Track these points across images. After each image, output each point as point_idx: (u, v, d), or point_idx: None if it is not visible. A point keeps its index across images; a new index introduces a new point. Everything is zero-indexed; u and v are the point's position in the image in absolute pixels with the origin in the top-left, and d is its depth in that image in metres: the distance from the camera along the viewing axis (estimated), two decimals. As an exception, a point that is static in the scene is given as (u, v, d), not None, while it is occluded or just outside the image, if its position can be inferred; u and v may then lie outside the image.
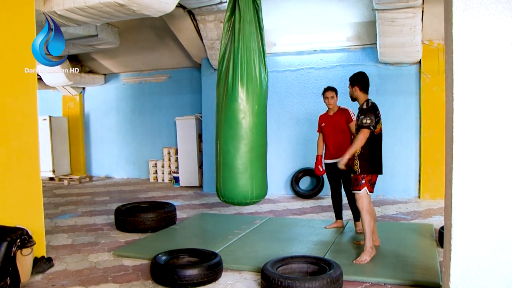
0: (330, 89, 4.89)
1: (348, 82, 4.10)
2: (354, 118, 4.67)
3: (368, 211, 3.81)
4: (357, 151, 3.81)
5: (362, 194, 3.81)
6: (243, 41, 3.81)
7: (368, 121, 3.74)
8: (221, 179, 3.94)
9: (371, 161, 3.82)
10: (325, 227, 4.96)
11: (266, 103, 4.09)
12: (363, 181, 3.81)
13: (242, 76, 3.79)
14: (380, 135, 3.88)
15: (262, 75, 3.94)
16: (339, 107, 4.90)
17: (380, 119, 3.86)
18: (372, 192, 3.90)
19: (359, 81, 3.99)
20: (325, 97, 4.92)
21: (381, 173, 3.92)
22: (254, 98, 3.84)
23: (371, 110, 3.80)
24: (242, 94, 3.80)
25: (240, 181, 3.86)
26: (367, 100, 3.92)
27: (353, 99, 4.06)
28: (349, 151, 3.83)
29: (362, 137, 3.74)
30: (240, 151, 3.84)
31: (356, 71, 7.36)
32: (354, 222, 4.81)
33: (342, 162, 3.85)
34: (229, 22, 3.98)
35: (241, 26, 3.83)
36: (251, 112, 3.82)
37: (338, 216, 4.99)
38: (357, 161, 3.84)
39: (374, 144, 3.83)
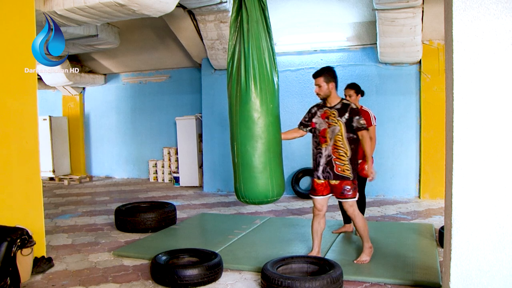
0: (348, 87, 4.51)
1: (319, 77, 3.69)
2: (374, 122, 4.43)
3: (361, 216, 3.74)
4: (348, 155, 3.61)
5: (353, 202, 3.66)
6: (252, 41, 3.82)
7: (365, 122, 3.64)
8: (241, 180, 3.95)
9: (357, 164, 3.71)
10: (332, 232, 4.73)
11: (278, 101, 4.10)
12: (355, 187, 3.66)
13: (254, 76, 3.81)
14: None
15: (273, 74, 3.95)
16: (361, 106, 4.52)
17: None
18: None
19: (334, 76, 3.69)
20: (344, 95, 4.50)
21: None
22: (268, 97, 3.84)
23: (361, 112, 3.73)
24: (255, 94, 3.81)
25: (260, 180, 3.87)
26: (346, 99, 3.75)
27: (322, 97, 3.74)
28: (369, 157, 3.70)
29: (368, 139, 3.61)
30: (258, 151, 3.85)
31: (356, 71, 7.38)
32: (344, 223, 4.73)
33: (371, 171, 3.72)
34: (236, 23, 3.99)
35: (250, 26, 3.84)
36: (266, 111, 3.83)
37: (347, 220, 4.71)
38: (348, 166, 3.61)
39: (356, 147, 3.68)
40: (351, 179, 3.61)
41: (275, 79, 3.96)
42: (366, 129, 3.59)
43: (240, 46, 3.90)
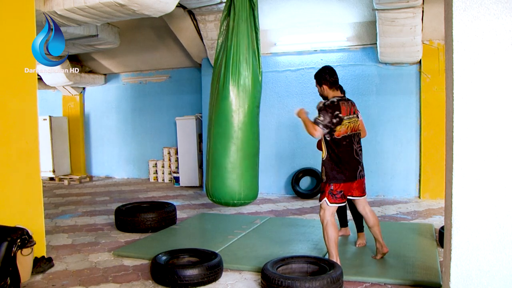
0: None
1: (315, 81, 3.72)
2: (360, 117, 4.33)
3: (331, 224, 3.49)
4: (322, 156, 3.55)
5: (323, 205, 3.52)
6: (236, 40, 3.80)
7: (321, 118, 3.42)
8: (210, 178, 3.92)
9: (334, 168, 3.49)
10: None
11: (258, 102, 4.05)
12: (324, 191, 3.50)
13: (233, 74, 3.77)
14: (344, 139, 3.50)
15: (256, 75, 3.91)
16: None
17: (342, 120, 3.47)
18: (343, 202, 3.56)
19: (325, 78, 3.60)
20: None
21: (349, 181, 3.53)
22: (245, 97, 3.81)
23: (326, 109, 3.45)
24: (232, 93, 3.77)
25: (228, 180, 3.81)
26: (332, 99, 3.55)
27: (324, 98, 3.69)
28: (304, 118, 3.54)
29: (310, 125, 3.43)
30: (229, 150, 3.80)
31: (356, 71, 7.36)
32: (357, 232, 4.34)
33: (296, 111, 3.61)
34: (224, 21, 3.99)
35: (235, 25, 3.83)
36: (242, 111, 3.79)
37: (343, 223, 4.58)
38: (323, 167, 3.56)
39: (336, 149, 3.49)
40: (324, 181, 3.53)
41: (257, 79, 3.92)
42: (318, 125, 3.41)
43: (225, 44, 3.89)
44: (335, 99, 3.53)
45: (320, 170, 3.76)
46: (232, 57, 3.77)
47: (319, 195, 3.63)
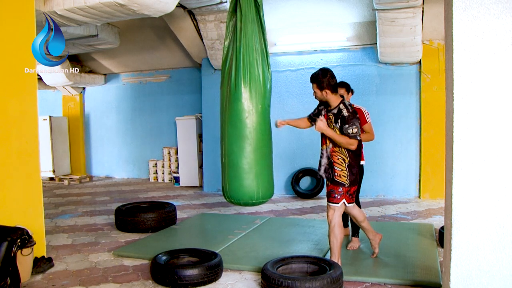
0: (339, 86, 4.04)
1: (313, 84, 3.52)
2: (369, 118, 4.24)
3: (339, 225, 3.49)
4: (346, 161, 3.45)
5: (332, 207, 3.50)
6: (245, 41, 3.82)
7: (355, 130, 3.37)
8: (227, 180, 3.95)
9: (357, 170, 3.51)
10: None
11: (269, 102, 4.08)
12: (342, 193, 3.46)
13: (245, 75, 3.79)
14: (360, 141, 3.55)
15: (265, 74, 3.93)
16: (353, 105, 4.18)
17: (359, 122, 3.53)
18: (353, 202, 3.59)
19: (328, 83, 3.44)
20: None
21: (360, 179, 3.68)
22: (257, 98, 3.83)
23: (355, 116, 3.42)
24: (245, 94, 3.80)
25: (245, 181, 3.85)
26: (344, 103, 3.47)
27: (323, 102, 3.61)
28: (333, 134, 3.40)
29: (344, 141, 3.37)
30: (245, 151, 3.83)
31: (356, 71, 7.36)
32: (352, 237, 4.34)
33: (318, 127, 3.41)
34: (231, 22, 4.00)
35: (243, 26, 3.84)
36: (255, 112, 3.82)
37: (344, 224, 4.48)
38: (346, 172, 3.45)
39: (357, 151, 3.50)
40: (347, 185, 3.46)
41: (267, 80, 3.95)
42: (356, 138, 3.40)
43: (233, 45, 3.91)
44: (349, 103, 3.53)
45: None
46: (243, 58, 3.79)
47: (328, 196, 3.54)
